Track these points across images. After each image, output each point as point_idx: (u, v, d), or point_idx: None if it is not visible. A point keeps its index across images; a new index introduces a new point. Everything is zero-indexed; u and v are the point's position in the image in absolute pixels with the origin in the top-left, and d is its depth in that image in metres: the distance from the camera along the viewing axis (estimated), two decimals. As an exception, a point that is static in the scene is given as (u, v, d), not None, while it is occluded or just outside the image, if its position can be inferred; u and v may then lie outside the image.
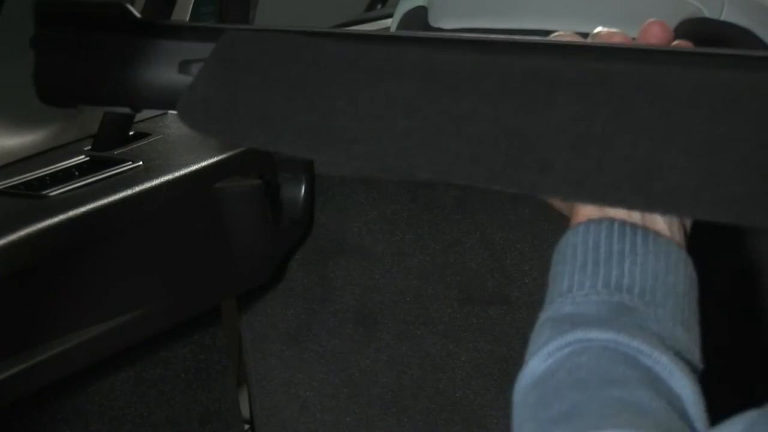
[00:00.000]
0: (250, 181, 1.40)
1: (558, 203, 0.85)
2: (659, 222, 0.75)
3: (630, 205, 0.63)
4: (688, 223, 0.79)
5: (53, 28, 1.03)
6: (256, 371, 1.64)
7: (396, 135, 0.70)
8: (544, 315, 0.73)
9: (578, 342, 0.69)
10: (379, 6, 2.64)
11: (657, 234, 0.74)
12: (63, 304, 1.22)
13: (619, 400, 0.64)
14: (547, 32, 1.35)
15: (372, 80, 0.75)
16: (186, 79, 0.91)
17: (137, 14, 1.00)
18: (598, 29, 0.82)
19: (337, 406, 1.62)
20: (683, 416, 0.66)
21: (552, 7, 1.37)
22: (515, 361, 1.52)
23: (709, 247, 0.80)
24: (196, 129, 0.83)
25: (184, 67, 0.95)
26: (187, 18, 1.46)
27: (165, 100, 1.02)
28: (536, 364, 0.70)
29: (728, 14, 1.38)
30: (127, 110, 1.07)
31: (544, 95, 0.68)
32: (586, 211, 0.76)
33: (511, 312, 1.50)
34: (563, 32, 0.81)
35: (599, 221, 0.74)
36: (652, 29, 0.80)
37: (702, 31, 1.37)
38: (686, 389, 0.67)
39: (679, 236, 0.77)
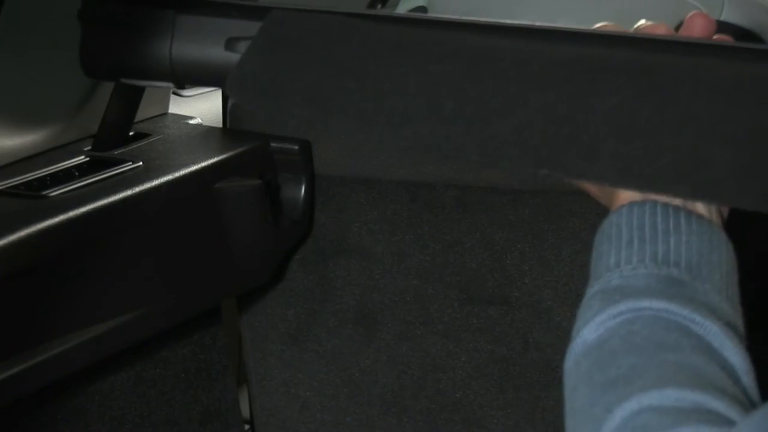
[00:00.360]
0: (250, 181, 1.40)
1: (594, 190, 0.86)
2: (699, 206, 0.77)
3: (675, 194, 0.66)
4: (725, 209, 0.80)
5: (101, 1, 1.03)
6: (256, 371, 1.64)
7: (444, 118, 0.71)
8: (592, 289, 0.75)
9: (630, 311, 0.70)
10: (379, 6, 2.64)
11: (699, 216, 0.76)
12: (63, 304, 1.21)
13: (676, 364, 0.66)
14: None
15: (419, 63, 0.75)
16: (231, 56, 0.91)
17: None
18: (642, 21, 0.83)
19: (337, 406, 1.62)
20: (736, 383, 0.68)
21: (552, 7, 1.37)
22: (515, 361, 1.52)
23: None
24: (245, 104, 0.82)
25: (230, 44, 0.94)
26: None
27: (209, 77, 1.03)
28: (588, 333, 0.71)
29: (728, 14, 1.38)
30: (170, 85, 1.05)
31: (590, 83, 0.69)
32: (628, 195, 0.77)
33: (511, 312, 1.50)
34: (607, 23, 0.80)
35: (642, 203, 0.76)
36: (696, 21, 0.82)
37: (702, 31, 1.37)
38: (738, 357, 0.69)
39: (717, 220, 0.78)
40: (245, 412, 1.73)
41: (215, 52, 0.98)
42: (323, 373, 1.61)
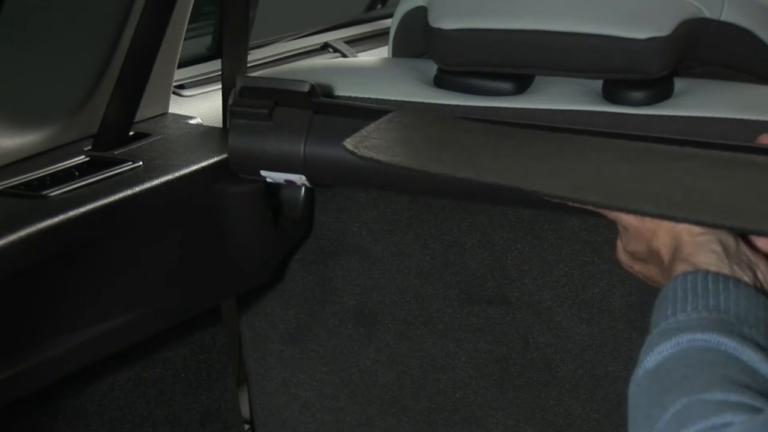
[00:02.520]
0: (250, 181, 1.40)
1: (656, 276, 0.97)
2: (746, 277, 0.88)
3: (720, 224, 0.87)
4: None
5: (250, 99, 1.20)
6: (256, 371, 1.64)
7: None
8: (651, 335, 0.85)
9: (686, 342, 0.82)
10: (379, 6, 2.64)
11: (746, 283, 0.87)
12: (63, 304, 1.22)
13: (724, 376, 0.77)
14: (548, 32, 1.35)
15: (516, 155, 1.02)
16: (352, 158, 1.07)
17: (320, 94, 1.17)
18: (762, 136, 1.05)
19: (337, 406, 1.62)
20: None
21: (552, 7, 1.37)
22: (515, 361, 1.52)
23: None
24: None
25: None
26: (187, 17, 1.46)
27: (336, 172, 1.20)
28: (648, 362, 0.83)
29: (728, 14, 1.38)
30: (303, 179, 1.22)
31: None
32: (682, 267, 0.89)
33: (511, 312, 1.50)
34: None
35: (695, 272, 0.87)
36: (764, 140, 1.03)
37: (702, 31, 1.37)
38: None
39: (764, 292, 0.88)
40: (245, 412, 1.73)
41: (342, 151, 1.09)
42: (323, 373, 1.61)
